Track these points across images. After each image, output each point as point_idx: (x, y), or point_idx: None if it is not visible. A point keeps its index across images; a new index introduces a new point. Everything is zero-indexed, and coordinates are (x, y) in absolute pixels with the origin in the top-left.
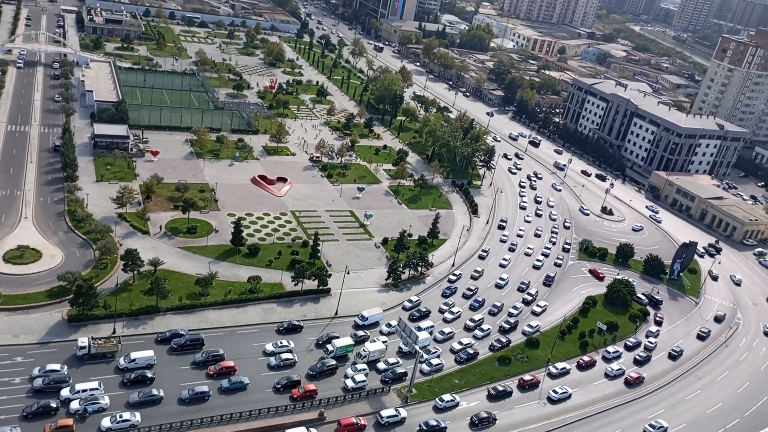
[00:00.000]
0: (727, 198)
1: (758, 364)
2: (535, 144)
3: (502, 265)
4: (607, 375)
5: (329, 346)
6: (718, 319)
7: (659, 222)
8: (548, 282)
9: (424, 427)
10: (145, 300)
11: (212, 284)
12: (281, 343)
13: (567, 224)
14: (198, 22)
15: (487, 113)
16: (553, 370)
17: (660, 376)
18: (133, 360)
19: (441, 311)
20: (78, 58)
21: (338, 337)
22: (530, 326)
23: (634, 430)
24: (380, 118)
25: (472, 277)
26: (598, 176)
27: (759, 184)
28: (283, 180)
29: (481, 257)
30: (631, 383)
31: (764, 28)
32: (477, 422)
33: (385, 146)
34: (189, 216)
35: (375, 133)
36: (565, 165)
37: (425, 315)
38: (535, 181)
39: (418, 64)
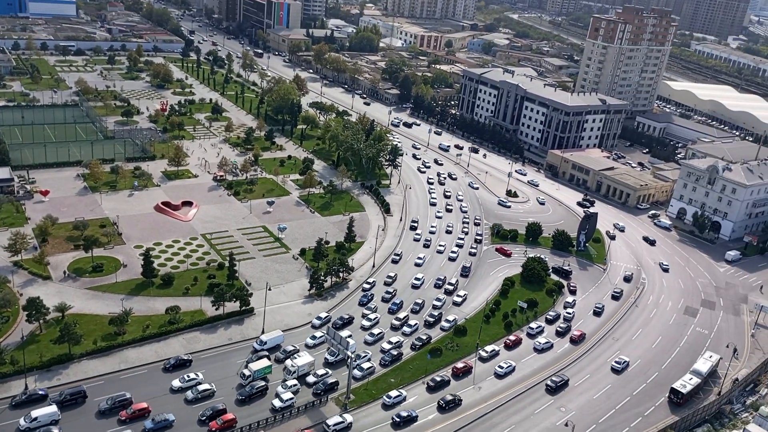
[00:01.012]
0: (618, 167)
1: (666, 318)
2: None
3: (417, 264)
4: (535, 349)
5: (245, 371)
6: (627, 279)
7: (536, 185)
8: (465, 273)
9: (397, 419)
10: (57, 349)
11: (128, 321)
12: (188, 377)
13: (477, 220)
14: (74, 50)
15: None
16: (483, 354)
17: (582, 342)
18: (35, 419)
19: (363, 315)
20: None
21: (258, 359)
22: (447, 321)
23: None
24: (280, 128)
25: (385, 283)
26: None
27: (644, 151)
28: (188, 204)
29: (395, 261)
30: (576, 341)
31: (629, 5)
32: (444, 405)
33: (289, 157)
34: (92, 254)
35: (277, 145)
36: (448, 146)
37: (348, 322)
38: (445, 178)
39: (311, 71)
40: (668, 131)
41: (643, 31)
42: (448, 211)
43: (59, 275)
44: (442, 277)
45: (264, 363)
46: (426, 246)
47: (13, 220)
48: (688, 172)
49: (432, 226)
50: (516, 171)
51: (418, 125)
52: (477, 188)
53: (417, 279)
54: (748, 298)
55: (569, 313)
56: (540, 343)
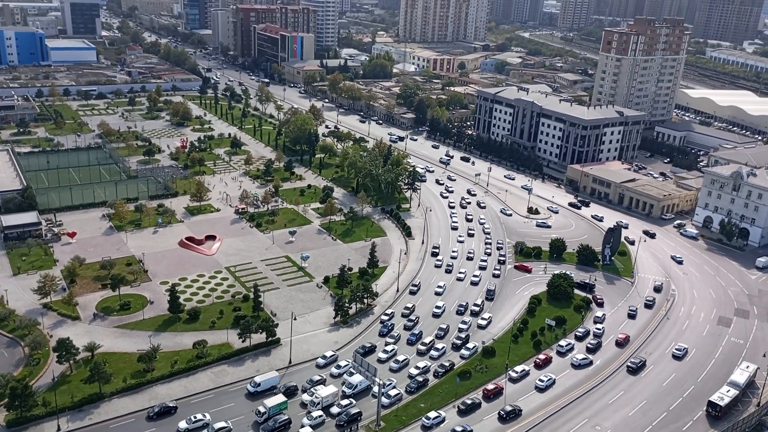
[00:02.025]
0: (640, 179)
1: (700, 330)
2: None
3: (437, 293)
4: (573, 365)
5: (261, 408)
6: (657, 289)
7: (580, 207)
8: (490, 296)
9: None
10: (87, 389)
11: (156, 358)
12: (195, 417)
13: (500, 244)
14: (95, 94)
15: (399, 137)
16: (513, 375)
17: (613, 359)
18: None
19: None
20: None
21: (277, 393)
22: (468, 348)
23: (601, 417)
24: (299, 159)
25: (403, 315)
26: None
27: (665, 161)
28: (212, 238)
29: (412, 292)
30: (621, 343)
31: (640, 17)
32: (505, 416)
33: (309, 186)
34: (120, 292)
35: (297, 175)
36: (449, 158)
37: (371, 350)
38: (468, 199)
39: (327, 100)
40: (689, 139)
41: (656, 41)
42: (470, 236)
43: (88, 315)
44: (464, 303)
45: (279, 399)
46: (448, 272)
47: (42, 263)
48: (711, 180)
49: (453, 251)
50: (522, 186)
51: (468, 161)
52: (510, 215)
53: (438, 307)
54: None
55: (599, 329)
56: (577, 359)
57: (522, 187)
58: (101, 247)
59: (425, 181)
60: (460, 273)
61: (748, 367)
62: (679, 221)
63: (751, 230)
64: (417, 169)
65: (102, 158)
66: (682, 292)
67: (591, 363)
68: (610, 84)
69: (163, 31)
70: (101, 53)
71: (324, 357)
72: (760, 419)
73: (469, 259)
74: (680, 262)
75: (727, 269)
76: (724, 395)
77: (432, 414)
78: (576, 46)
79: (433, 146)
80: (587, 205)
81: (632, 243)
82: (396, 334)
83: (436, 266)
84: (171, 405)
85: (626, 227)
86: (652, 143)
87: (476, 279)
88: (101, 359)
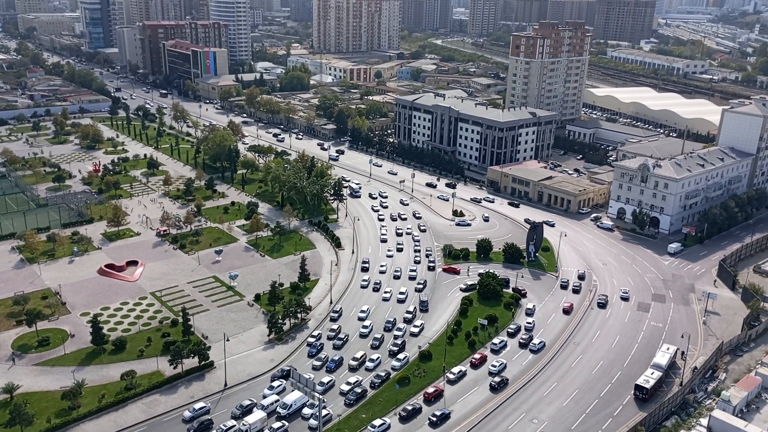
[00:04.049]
0: (556, 176)
1: (622, 316)
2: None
3: (360, 318)
4: (490, 373)
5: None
6: (581, 277)
7: (491, 201)
8: (424, 308)
9: (433, 418)
10: None
11: (81, 394)
12: None
13: (429, 251)
14: None
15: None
16: (451, 376)
17: (546, 349)
18: None
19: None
20: None
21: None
22: (398, 360)
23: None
24: (220, 176)
25: (329, 338)
26: (448, 185)
27: (578, 158)
28: (133, 263)
29: (333, 319)
30: (568, 311)
31: (545, 21)
32: (496, 386)
33: (233, 203)
34: (37, 328)
35: (219, 192)
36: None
37: (286, 374)
38: (385, 199)
39: (245, 115)
40: (598, 136)
41: (561, 44)
42: (399, 251)
43: (4, 354)
44: (392, 319)
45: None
46: (375, 290)
47: None
48: (621, 173)
49: (382, 266)
50: (438, 197)
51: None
52: (420, 217)
53: (365, 327)
54: (695, 287)
55: (529, 323)
56: (535, 344)
57: (438, 197)
58: (13, 282)
59: (359, 197)
60: (385, 293)
61: (668, 348)
62: (595, 214)
63: (661, 218)
64: (351, 184)
65: (7, 188)
66: (603, 282)
67: (544, 346)
68: (521, 86)
69: (65, 51)
70: None
71: (240, 407)
72: (683, 398)
73: (396, 278)
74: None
75: (642, 257)
76: (649, 378)
77: (377, 422)
78: (487, 51)
79: (372, 163)
80: (517, 206)
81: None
82: (324, 357)
83: (362, 287)
84: None
85: (553, 225)
86: (564, 141)
87: (402, 297)
88: (21, 400)
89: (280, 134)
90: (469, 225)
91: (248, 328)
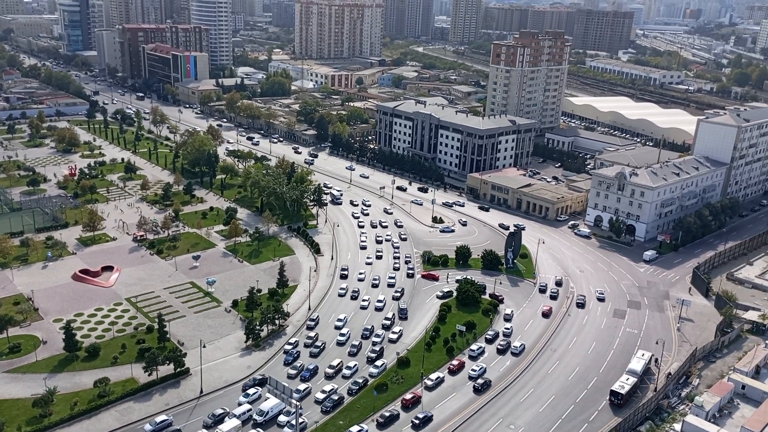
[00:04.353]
0: (535, 184)
1: (598, 323)
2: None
3: (337, 327)
4: (470, 377)
5: None
6: (558, 283)
7: (462, 206)
8: (403, 315)
9: (416, 420)
10: None
11: (53, 401)
12: None
13: (408, 258)
14: None
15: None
16: (429, 382)
17: (523, 355)
18: None
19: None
20: None
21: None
22: (376, 366)
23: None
24: (199, 181)
25: (306, 345)
26: (420, 189)
27: (556, 166)
28: (109, 269)
29: (309, 327)
30: (547, 314)
31: (525, 30)
32: (479, 387)
33: (211, 208)
34: (8, 334)
35: (198, 197)
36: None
37: (263, 382)
38: (368, 208)
39: (225, 120)
40: (576, 144)
41: (540, 53)
42: (378, 258)
43: None
44: (370, 327)
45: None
46: (353, 299)
47: None
48: (599, 181)
49: (360, 273)
50: (413, 201)
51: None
52: (402, 225)
53: (342, 334)
54: (670, 294)
55: (507, 329)
56: (475, 370)
57: (412, 201)
58: None
59: (341, 204)
60: (363, 301)
61: (643, 355)
62: (573, 222)
63: (637, 226)
64: (333, 191)
65: None
66: (580, 289)
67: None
68: (501, 94)
69: (43, 53)
70: None
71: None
72: (657, 403)
73: (374, 286)
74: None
75: (619, 264)
76: (624, 383)
77: (354, 428)
78: (467, 59)
79: (349, 169)
80: (487, 210)
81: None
82: (299, 364)
83: (340, 295)
84: None
85: (523, 229)
86: (543, 149)
87: (380, 305)
88: None
89: (254, 138)
90: (452, 231)
91: (225, 334)
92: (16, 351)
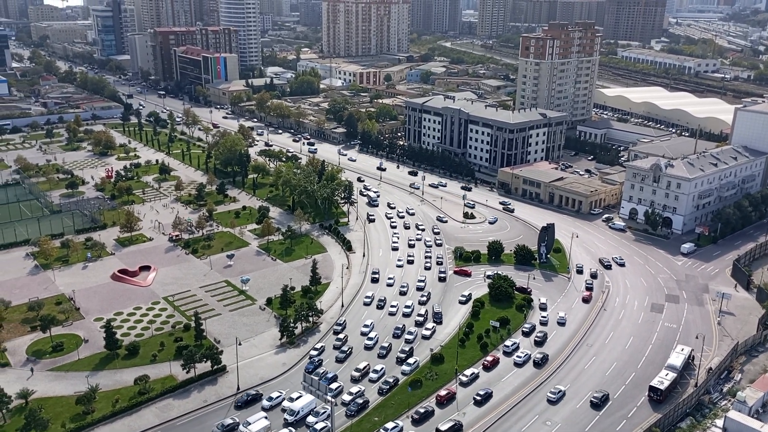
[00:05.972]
0: (567, 177)
1: (635, 318)
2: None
3: (363, 333)
4: (516, 364)
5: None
6: (594, 275)
7: (512, 212)
8: (438, 319)
9: (478, 397)
10: None
11: (95, 398)
12: None
13: (439, 259)
14: (9, 128)
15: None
16: (464, 378)
17: (559, 350)
18: None
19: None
20: None
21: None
22: (408, 364)
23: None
24: (231, 180)
25: (334, 347)
26: (463, 188)
27: (589, 158)
28: (146, 268)
29: (336, 332)
30: (587, 300)
31: (554, 22)
32: (480, 399)
33: (244, 207)
34: (51, 333)
35: (230, 197)
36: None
37: (256, 398)
38: (411, 216)
39: (255, 119)
40: (609, 136)
41: (571, 45)
42: (410, 263)
43: (19, 360)
44: (401, 326)
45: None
46: (380, 307)
47: None
48: (633, 173)
49: (390, 278)
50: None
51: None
52: (446, 221)
53: (370, 339)
54: (709, 287)
55: (544, 317)
56: (520, 356)
57: (465, 203)
58: (27, 288)
59: (377, 206)
60: (392, 307)
61: (682, 350)
62: (607, 215)
63: (674, 218)
64: (370, 193)
65: (21, 195)
66: (616, 283)
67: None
68: (531, 88)
69: (78, 58)
70: (13, 85)
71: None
72: (698, 399)
73: (402, 294)
74: (616, 265)
75: (655, 257)
76: (663, 379)
77: (389, 425)
78: (496, 52)
79: (378, 168)
80: (512, 212)
81: (609, 267)
82: (322, 371)
83: (365, 304)
84: None
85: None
86: (575, 142)
87: (408, 311)
88: (36, 405)
89: (295, 137)
90: (495, 221)
91: (260, 332)
92: (58, 350)
